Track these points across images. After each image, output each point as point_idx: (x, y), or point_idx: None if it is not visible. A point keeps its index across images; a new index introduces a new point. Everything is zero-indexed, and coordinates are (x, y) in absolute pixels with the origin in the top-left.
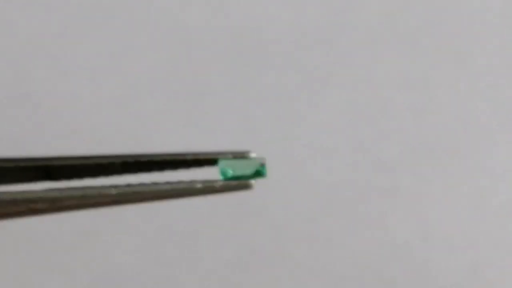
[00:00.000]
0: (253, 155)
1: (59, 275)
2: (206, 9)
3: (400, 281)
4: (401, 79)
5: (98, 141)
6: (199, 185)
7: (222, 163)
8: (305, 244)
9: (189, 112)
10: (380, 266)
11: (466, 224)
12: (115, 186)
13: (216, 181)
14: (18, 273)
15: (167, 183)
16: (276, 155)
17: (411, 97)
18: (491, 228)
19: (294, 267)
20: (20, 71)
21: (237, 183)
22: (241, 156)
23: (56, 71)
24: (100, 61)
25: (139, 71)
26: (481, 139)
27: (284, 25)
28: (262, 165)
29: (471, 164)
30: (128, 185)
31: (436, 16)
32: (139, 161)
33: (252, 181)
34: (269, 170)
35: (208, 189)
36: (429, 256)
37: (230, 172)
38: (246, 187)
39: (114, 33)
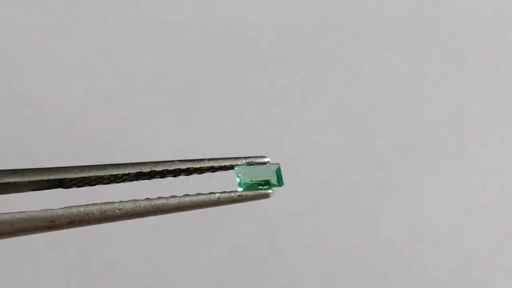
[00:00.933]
0: (267, 159)
1: (53, 273)
2: (198, 8)
3: (391, 277)
4: (393, 77)
5: (95, 140)
6: (219, 196)
7: (238, 171)
8: (296, 240)
9: (182, 110)
10: (371, 262)
11: (456, 221)
12: (134, 201)
13: (234, 192)
14: (12, 272)
15: (186, 195)
16: (267, 152)
17: (402, 95)
18: (480, 225)
19: (286, 263)
20: (16, 71)
21: (255, 194)
22: (256, 162)
23: (51, 71)
24: (94, 60)
25: (133, 70)
26: (472, 137)
27: (275, 24)
28: (279, 174)
29: (461, 162)
30: (147, 199)
31: (427, 14)
32: (154, 171)
33: (270, 191)
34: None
35: (227, 199)
36: (420, 252)
37: (248, 182)
38: (265, 196)
39: (108, 33)
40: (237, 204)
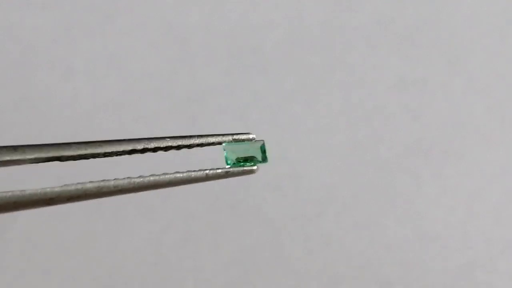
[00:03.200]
0: (252, 136)
1: (61, 278)
2: (203, 14)
3: (396, 280)
4: (396, 81)
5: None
6: (207, 173)
7: (225, 147)
8: (301, 244)
9: (187, 113)
10: (376, 265)
11: (460, 225)
12: (129, 178)
13: (222, 168)
14: (20, 276)
15: (177, 172)
16: (272, 156)
17: (406, 98)
18: (484, 229)
19: (291, 267)
20: (24, 75)
21: (241, 170)
22: (242, 138)
23: (58, 75)
24: (101, 64)
25: (139, 75)
26: (476, 141)
27: (280, 29)
28: (263, 150)
29: (465, 165)
30: (141, 177)
31: (431, 18)
32: (147, 148)
33: (255, 167)
34: (269, 158)
35: (215, 175)
36: (424, 256)
37: (233, 159)
38: (249, 172)
39: (115, 37)
40: (235, 205)
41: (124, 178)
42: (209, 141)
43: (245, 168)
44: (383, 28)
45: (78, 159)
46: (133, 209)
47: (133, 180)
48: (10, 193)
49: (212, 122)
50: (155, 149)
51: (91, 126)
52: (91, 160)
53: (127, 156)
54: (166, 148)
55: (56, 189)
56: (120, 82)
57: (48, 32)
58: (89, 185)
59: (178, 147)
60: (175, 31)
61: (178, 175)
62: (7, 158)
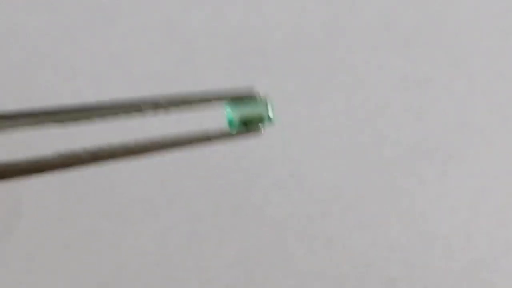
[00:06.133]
0: (256, 92)
1: (65, 278)
2: (206, 14)
3: (399, 280)
4: (399, 82)
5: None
6: (212, 134)
7: (227, 108)
8: (305, 244)
9: (190, 114)
10: (380, 265)
11: (463, 225)
12: (136, 140)
13: (226, 129)
14: (25, 277)
15: (181, 133)
16: (275, 157)
17: (409, 99)
18: (488, 229)
19: (295, 267)
20: (26, 77)
21: (247, 132)
22: (246, 96)
23: (60, 77)
24: (103, 66)
25: (142, 76)
26: (479, 141)
27: (282, 30)
28: (268, 108)
29: (468, 165)
30: (148, 138)
31: (434, 19)
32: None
33: (261, 128)
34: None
35: (218, 136)
36: (428, 255)
37: (238, 119)
38: (255, 133)
39: (117, 39)
40: (238, 206)
41: (119, 143)
42: (208, 97)
43: (249, 131)
44: (386, 29)
45: (72, 121)
46: (137, 210)
47: (127, 143)
48: (5, 162)
49: (211, 123)
50: (155, 107)
51: (94, 126)
52: (86, 128)
53: (124, 122)
54: (165, 107)
55: (50, 157)
56: (123, 83)
57: (51, 33)
58: (83, 151)
59: (178, 106)
60: (178, 33)
61: (176, 136)
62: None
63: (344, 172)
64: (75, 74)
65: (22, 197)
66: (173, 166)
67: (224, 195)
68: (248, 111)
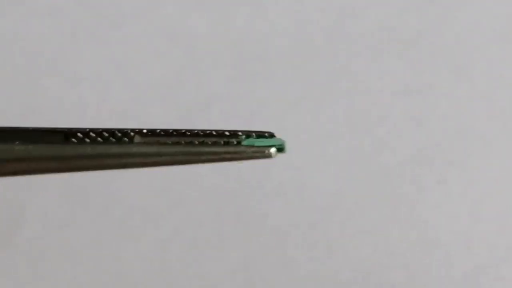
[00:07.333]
0: (273, 134)
1: (66, 286)
2: (208, 20)
3: (400, 287)
4: (400, 88)
5: None
6: (226, 150)
7: (246, 141)
8: (306, 251)
9: (193, 121)
10: (380, 272)
11: (464, 231)
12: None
13: (239, 147)
14: (26, 284)
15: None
16: (276, 163)
17: (410, 106)
18: (488, 236)
19: (296, 274)
20: (29, 82)
21: (259, 152)
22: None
23: (64, 83)
24: (106, 71)
25: (145, 82)
26: (479, 148)
27: (284, 36)
28: (282, 143)
29: (469, 172)
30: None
31: (435, 25)
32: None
33: (273, 151)
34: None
35: (234, 154)
36: (428, 262)
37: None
38: (268, 156)
39: (120, 45)
40: (240, 212)
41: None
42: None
43: (262, 150)
44: (387, 35)
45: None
46: (138, 216)
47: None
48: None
49: (215, 127)
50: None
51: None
52: None
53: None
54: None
55: None
56: (126, 89)
57: (54, 39)
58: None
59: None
60: (180, 39)
61: (196, 149)
62: None
63: (345, 179)
64: (78, 80)
65: (25, 204)
66: (174, 173)
67: (225, 203)
68: (263, 142)
